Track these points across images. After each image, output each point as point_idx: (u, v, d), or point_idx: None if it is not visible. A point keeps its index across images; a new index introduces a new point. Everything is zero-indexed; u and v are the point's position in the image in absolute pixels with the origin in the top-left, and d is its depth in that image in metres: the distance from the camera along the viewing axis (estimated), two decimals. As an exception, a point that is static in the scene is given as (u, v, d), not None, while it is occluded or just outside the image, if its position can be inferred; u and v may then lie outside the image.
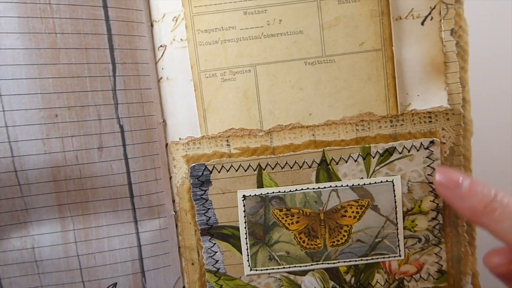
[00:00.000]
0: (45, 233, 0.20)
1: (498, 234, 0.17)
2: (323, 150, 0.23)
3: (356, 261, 0.23)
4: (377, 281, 0.24)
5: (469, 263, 0.24)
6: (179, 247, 0.24)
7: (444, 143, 0.23)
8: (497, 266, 0.18)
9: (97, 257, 0.21)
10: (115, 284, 0.22)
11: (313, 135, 0.23)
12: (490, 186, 0.18)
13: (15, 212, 0.19)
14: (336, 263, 0.23)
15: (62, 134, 0.20)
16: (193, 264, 0.24)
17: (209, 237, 0.23)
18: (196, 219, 0.23)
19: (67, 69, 0.19)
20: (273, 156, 0.23)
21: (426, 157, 0.23)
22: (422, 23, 0.22)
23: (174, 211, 0.24)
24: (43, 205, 0.20)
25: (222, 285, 0.24)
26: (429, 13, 0.22)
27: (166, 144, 0.23)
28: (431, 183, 0.23)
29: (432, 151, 0.23)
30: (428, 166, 0.23)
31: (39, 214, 0.20)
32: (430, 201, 0.23)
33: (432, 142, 0.22)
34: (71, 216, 0.21)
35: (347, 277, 0.24)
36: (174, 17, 0.22)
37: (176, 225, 0.24)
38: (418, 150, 0.23)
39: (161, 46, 0.23)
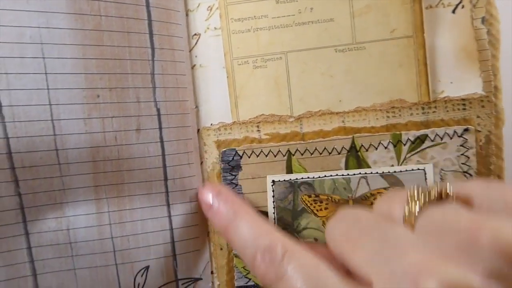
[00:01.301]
0: (80, 214, 0.21)
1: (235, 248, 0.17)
2: (353, 136, 0.23)
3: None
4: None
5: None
6: (208, 232, 0.24)
7: (479, 131, 0.22)
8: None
9: (130, 240, 0.22)
10: (147, 267, 0.22)
11: (343, 121, 0.23)
12: (239, 200, 0.18)
13: (52, 192, 0.20)
14: (366, 251, 0.23)
15: (103, 115, 0.20)
16: (221, 249, 0.24)
17: (239, 223, 0.23)
18: (226, 205, 0.23)
19: (110, 51, 0.20)
20: (302, 142, 0.23)
21: (460, 145, 0.22)
22: (453, 11, 0.22)
23: (204, 196, 0.24)
24: (80, 185, 0.21)
25: (249, 271, 0.24)
26: (460, 1, 0.22)
27: (198, 130, 0.24)
28: (466, 172, 0.23)
29: (467, 139, 0.22)
30: (463, 154, 0.23)
31: (76, 195, 0.21)
32: (463, 189, 0.23)
33: (466, 130, 0.22)
34: (107, 198, 0.21)
35: (377, 267, 0.23)
36: (209, 7, 0.23)
37: (206, 211, 0.24)
38: (451, 138, 0.22)
39: (195, 34, 0.23)
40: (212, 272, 0.24)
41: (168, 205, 0.23)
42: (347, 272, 0.14)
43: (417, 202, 0.14)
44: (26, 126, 0.19)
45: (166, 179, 0.22)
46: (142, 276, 0.22)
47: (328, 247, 0.16)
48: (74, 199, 0.20)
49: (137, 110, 0.21)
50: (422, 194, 0.14)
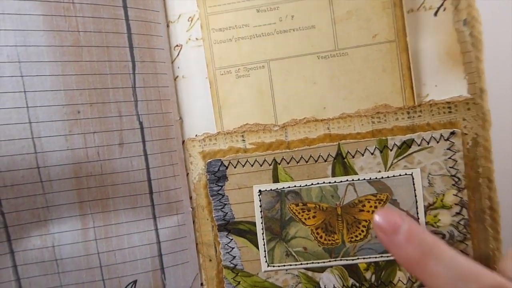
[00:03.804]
0: (65, 231, 0.21)
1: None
2: (339, 143, 0.23)
3: (376, 257, 0.23)
4: (399, 279, 0.23)
5: (497, 259, 0.23)
6: (196, 244, 0.24)
7: (466, 134, 0.22)
8: None
9: (117, 255, 0.22)
10: (135, 282, 0.22)
11: (328, 128, 0.23)
12: (428, 233, 0.16)
13: (36, 210, 0.20)
14: (355, 259, 0.23)
15: (84, 130, 0.20)
16: (210, 260, 0.24)
17: (226, 233, 0.23)
18: (213, 215, 0.23)
19: (89, 66, 0.20)
20: (288, 150, 0.23)
21: (447, 149, 0.22)
22: (435, 14, 0.22)
23: (191, 208, 0.24)
24: (64, 202, 0.20)
25: (239, 282, 0.23)
26: (441, 4, 0.22)
27: (183, 141, 0.24)
28: (454, 176, 0.22)
29: (453, 143, 0.22)
30: (450, 158, 0.22)
31: (60, 212, 0.20)
32: (453, 194, 0.22)
33: (453, 133, 0.22)
34: (91, 213, 0.21)
35: (367, 275, 0.23)
36: (189, 18, 0.23)
37: (193, 222, 0.24)
38: (438, 142, 0.22)
39: (177, 45, 0.23)
40: (202, 284, 0.24)
41: (155, 218, 0.23)
42: None
43: None
44: (6, 145, 0.19)
45: (151, 192, 0.22)
46: (130, 290, 0.22)
47: None
48: (59, 216, 0.20)
49: (119, 124, 0.21)
50: None
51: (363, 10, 0.22)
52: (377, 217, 0.18)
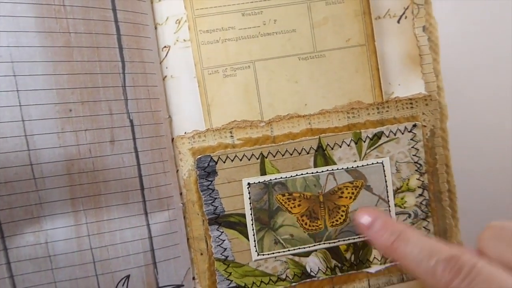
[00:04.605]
0: (58, 227, 0.21)
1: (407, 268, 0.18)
2: (319, 137, 0.25)
3: (354, 239, 0.25)
4: (374, 257, 0.25)
5: (454, 234, 0.26)
6: (187, 238, 0.25)
7: (425, 126, 0.25)
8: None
9: (110, 250, 0.22)
10: (128, 277, 0.22)
11: (309, 123, 0.25)
12: (400, 224, 0.20)
13: (29, 206, 0.20)
14: (336, 242, 0.25)
15: (76, 128, 0.21)
16: (201, 254, 0.25)
17: (217, 226, 0.24)
18: (204, 209, 0.24)
19: (80, 66, 0.21)
20: (273, 144, 0.25)
21: (410, 139, 0.25)
22: (398, 21, 0.25)
23: (182, 203, 0.25)
24: (57, 199, 0.20)
25: (231, 273, 0.25)
26: (403, 13, 0.25)
27: (172, 139, 0.24)
28: (416, 162, 0.25)
29: (415, 134, 0.25)
30: (413, 147, 0.25)
31: (53, 208, 0.20)
32: (416, 179, 0.25)
33: (414, 126, 0.25)
34: (84, 209, 0.21)
35: (347, 255, 0.25)
36: (177, 20, 0.24)
37: (184, 217, 0.25)
38: (403, 133, 0.25)
39: (165, 47, 0.24)
40: (193, 278, 0.25)
41: (146, 213, 0.23)
42: None
43: None
44: (0, 143, 0.18)
45: (142, 188, 0.23)
46: (123, 285, 0.22)
47: (485, 256, 0.17)
48: (51, 213, 0.20)
49: (110, 122, 0.22)
50: None
51: (337, 17, 0.24)
52: (358, 217, 0.21)
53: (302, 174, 0.25)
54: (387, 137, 0.25)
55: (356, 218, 0.21)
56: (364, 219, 0.21)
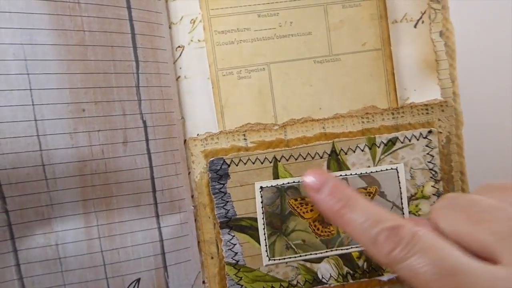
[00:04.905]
0: (69, 229, 0.20)
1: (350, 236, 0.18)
2: (333, 141, 0.24)
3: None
4: (387, 264, 0.25)
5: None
6: (198, 242, 0.24)
7: (440, 132, 0.25)
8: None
9: (120, 253, 0.21)
10: (138, 280, 0.22)
11: (323, 127, 0.24)
12: (348, 188, 0.18)
13: (40, 207, 0.19)
14: (349, 248, 0.25)
15: (89, 129, 0.20)
16: (212, 258, 0.24)
17: (228, 230, 0.24)
18: (215, 213, 0.24)
19: (94, 65, 0.20)
20: (287, 148, 0.24)
21: (426, 146, 0.25)
22: (415, 26, 0.25)
23: (193, 206, 0.24)
24: (68, 200, 0.20)
25: (241, 277, 0.24)
26: (420, 17, 0.25)
27: (185, 141, 0.24)
28: (431, 169, 0.25)
29: (431, 140, 0.25)
30: (428, 154, 0.25)
31: (64, 210, 0.20)
32: (431, 186, 0.25)
33: (430, 132, 0.25)
34: (95, 211, 0.21)
35: (360, 262, 0.25)
36: (192, 20, 0.24)
37: (195, 220, 0.24)
38: (418, 140, 0.25)
39: (179, 46, 0.24)
40: (203, 282, 0.24)
41: (158, 216, 0.23)
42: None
43: None
44: (12, 143, 0.18)
45: (154, 190, 0.23)
46: (133, 290, 0.22)
47: (436, 226, 0.16)
48: (62, 214, 0.20)
49: (123, 123, 0.21)
50: None
51: (354, 20, 0.24)
52: (306, 178, 0.19)
53: (315, 179, 0.24)
54: (402, 143, 0.25)
55: (303, 178, 0.19)
56: (312, 180, 0.19)
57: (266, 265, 0.24)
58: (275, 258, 0.24)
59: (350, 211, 0.17)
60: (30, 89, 0.19)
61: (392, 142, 0.25)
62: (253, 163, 0.24)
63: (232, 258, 0.24)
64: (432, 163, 0.25)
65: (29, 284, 0.19)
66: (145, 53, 0.22)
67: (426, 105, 0.25)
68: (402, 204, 0.25)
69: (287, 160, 0.24)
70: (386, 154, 0.25)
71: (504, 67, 0.27)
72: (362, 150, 0.25)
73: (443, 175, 0.25)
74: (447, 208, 0.17)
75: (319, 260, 0.25)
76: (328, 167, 0.24)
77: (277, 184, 0.24)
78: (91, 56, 0.20)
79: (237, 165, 0.24)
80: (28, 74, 0.18)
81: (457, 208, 0.16)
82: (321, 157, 0.24)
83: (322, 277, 0.25)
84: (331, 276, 0.25)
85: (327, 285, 0.25)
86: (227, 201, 0.24)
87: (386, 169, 0.25)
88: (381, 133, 0.25)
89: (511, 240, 0.14)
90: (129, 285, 0.22)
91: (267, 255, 0.24)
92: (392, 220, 0.16)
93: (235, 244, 0.24)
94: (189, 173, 0.24)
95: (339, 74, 0.24)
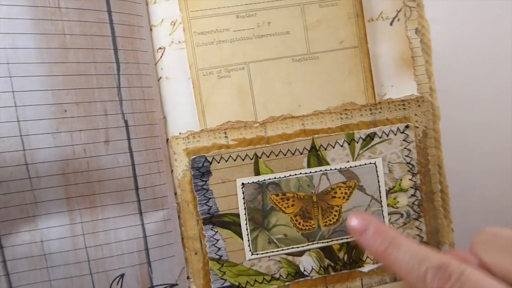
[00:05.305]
0: (53, 226, 0.21)
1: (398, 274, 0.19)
2: (313, 137, 0.25)
3: (347, 238, 0.25)
4: (367, 256, 0.26)
5: (446, 233, 0.26)
6: (182, 238, 0.25)
7: (417, 127, 0.26)
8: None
9: (104, 249, 0.22)
10: (122, 275, 0.23)
11: (303, 124, 0.25)
12: (390, 229, 0.20)
13: (24, 205, 0.20)
14: (329, 241, 0.25)
15: (71, 128, 0.21)
16: (196, 253, 0.25)
17: (211, 226, 0.25)
18: (198, 209, 0.25)
19: (75, 67, 0.21)
20: (267, 145, 0.25)
21: (403, 140, 0.26)
22: (391, 24, 0.26)
23: (176, 203, 0.25)
24: (52, 198, 0.21)
25: (225, 272, 0.25)
26: (396, 15, 0.26)
27: (167, 140, 0.25)
28: (409, 163, 0.26)
29: (408, 135, 0.26)
30: (405, 148, 0.26)
31: (48, 207, 0.21)
32: (409, 179, 0.26)
33: (407, 127, 0.25)
34: (79, 209, 0.22)
35: (341, 255, 0.26)
36: (172, 22, 0.24)
37: (178, 217, 0.25)
38: (395, 134, 0.25)
39: (160, 48, 0.24)
40: (188, 277, 0.25)
41: (141, 213, 0.23)
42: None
43: None
44: (-5, 143, 0.19)
45: (137, 188, 0.23)
46: (117, 284, 0.22)
47: (481, 261, 0.17)
48: (47, 212, 0.20)
49: (105, 122, 0.22)
50: None
51: (331, 19, 0.25)
52: (352, 222, 0.21)
53: (295, 175, 0.25)
54: (380, 138, 0.25)
55: (348, 222, 0.21)
56: (357, 224, 0.21)
57: (249, 260, 0.25)
58: (258, 253, 0.25)
59: (396, 250, 0.18)
60: (13, 91, 0.19)
61: (370, 137, 0.25)
62: (235, 160, 0.25)
63: (215, 253, 0.25)
64: (409, 157, 0.26)
65: (15, 280, 0.20)
66: (126, 54, 0.23)
67: (403, 100, 0.26)
68: (380, 197, 0.26)
69: (268, 157, 0.25)
70: (364, 149, 0.25)
71: (480, 61, 0.27)
72: (342, 146, 0.25)
73: (420, 168, 0.26)
74: (490, 243, 0.17)
75: (300, 254, 0.25)
76: (309, 163, 0.25)
77: (258, 180, 0.25)
78: (73, 58, 0.21)
79: (218, 162, 0.25)
80: (10, 77, 0.19)
81: (502, 243, 0.17)
82: (301, 153, 0.25)
83: (304, 270, 0.25)
84: (312, 268, 0.25)
85: (309, 278, 0.25)
86: (210, 198, 0.25)
87: (365, 164, 0.25)
88: (359, 129, 0.25)
89: None
90: (113, 281, 0.22)
91: (250, 250, 0.25)
92: (438, 258, 0.17)
93: (218, 240, 0.25)
94: (172, 171, 0.25)
95: (317, 72, 0.25)
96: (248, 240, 0.25)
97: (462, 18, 0.26)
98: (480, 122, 0.27)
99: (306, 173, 0.25)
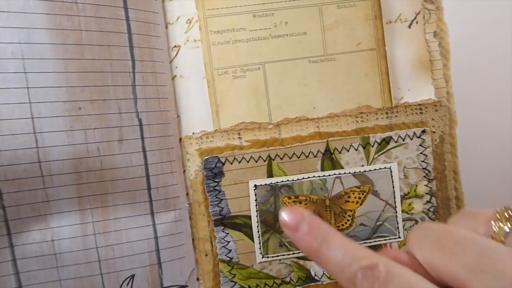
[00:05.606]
0: (64, 225, 0.21)
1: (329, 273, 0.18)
2: (327, 140, 0.25)
3: (360, 244, 0.25)
4: (380, 263, 0.25)
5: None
6: (192, 239, 0.25)
7: (434, 132, 0.25)
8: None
9: (115, 249, 0.22)
10: (132, 276, 0.22)
11: (318, 127, 0.25)
12: (324, 226, 0.18)
13: (36, 204, 0.20)
14: (342, 247, 0.25)
15: (85, 126, 0.21)
16: (206, 255, 0.25)
17: (222, 227, 0.24)
18: (210, 210, 0.24)
19: (91, 64, 0.21)
20: (281, 147, 0.24)
21: (419, 145, 0.25)
22: (409, 26, 0.25)
23: (188, 204, 0.24)
24: (64, 197, 0.20)
25: (235, 274, 0.24)
26: (415, 18, 0.25)
27: (180, 139, 0.24)
28: (425, 168, 0.25)
29: (424, 139, 0.25)
30: (421, 153, 0.25)
31: (60, 206, 0.20)
32: (424, 185, 0.25)
33: (423, 131, 0.25)
34: (91, 208, 0.21)
35: (353, 260, 0.25)
36: (188, 20, 0.24)
37: (190, 218, 0.25)
38: (411, 139, 0.25)
39: (175, 46, 0.24)
40: (198, 279, 0.25)
41: (152, 213, 0.23)
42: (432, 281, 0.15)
43: (508, 220, 0.16)
44: (9, 140, 0.18)
45: (149, 188, 0.23)
46: (127, 285, 0.22)
47: (411, 256, 0.17)
48: (58, 210, 0.20)
49: (119, 121, 0.22)
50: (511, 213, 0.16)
51: (348, 20, 0.24)
52: (283, 216, 0.19)
53: (309, 178, 0.25)
54: (396, 142, 0.25)
55: (280, 217, 0.19)
56: (289, 219, 0.19)
57: (260, 262, 0.25)
58: (269, 256, 0.25)
59: (328, 249, 0.17)
60: (27, 87, 0.19)
61: (386, 141, 0.25)
62: (248, 161, 0.24)
63: (226, 255, 0.24)
64: (426, 163, 0.25)
65: (25, 279, 0.20)
66: (141, 52, 0.23)
67: (420, 104, 0.25)
68: (395, 203, 0.25)
69: (281, 159, 0.24)
70: (380, 153, 0.25)
71: (498, 66, 0.27)
72: (356, 149, 0.25)
73: (436, 174, 0.25)
74: (423, 239, 0.17)
75: (312, 258, 0.25)
76: (322, 166, 0.25)
77: (271, 183, 0.24)
78: (88, 55, 0.21)
79: (231, 164, 0.24)
80: (25, 72, 0.19)
81: (432, 239, 0.16)
82: (315, 156, 0.25)
83: (315, 275, 0.25)
84: (323, 273, 0.25)
85: (320, 283, 0.25)
86: (222, 199, 0.24)
87: (380, 168, 0.25)
88: (375, 133, 0.25)
89: (481, 273, 0.14)
90: (124, 281, 0.22)
91: (261, 253, 0.24)
92: (368, 258, 0.16)
93: (229, 242, 0.24)
94: (184, 171, 0.24)
95: (333, 74, 0.25)
96: (259, 243, 0.24)
97: (482, 21, 0.26)
98: (497, 127, 0.27)
99: (319, 177, 0.25)
